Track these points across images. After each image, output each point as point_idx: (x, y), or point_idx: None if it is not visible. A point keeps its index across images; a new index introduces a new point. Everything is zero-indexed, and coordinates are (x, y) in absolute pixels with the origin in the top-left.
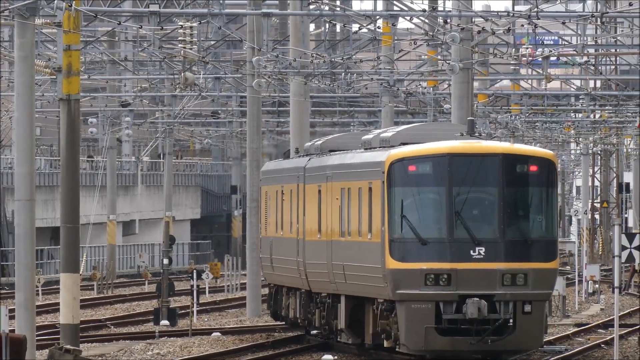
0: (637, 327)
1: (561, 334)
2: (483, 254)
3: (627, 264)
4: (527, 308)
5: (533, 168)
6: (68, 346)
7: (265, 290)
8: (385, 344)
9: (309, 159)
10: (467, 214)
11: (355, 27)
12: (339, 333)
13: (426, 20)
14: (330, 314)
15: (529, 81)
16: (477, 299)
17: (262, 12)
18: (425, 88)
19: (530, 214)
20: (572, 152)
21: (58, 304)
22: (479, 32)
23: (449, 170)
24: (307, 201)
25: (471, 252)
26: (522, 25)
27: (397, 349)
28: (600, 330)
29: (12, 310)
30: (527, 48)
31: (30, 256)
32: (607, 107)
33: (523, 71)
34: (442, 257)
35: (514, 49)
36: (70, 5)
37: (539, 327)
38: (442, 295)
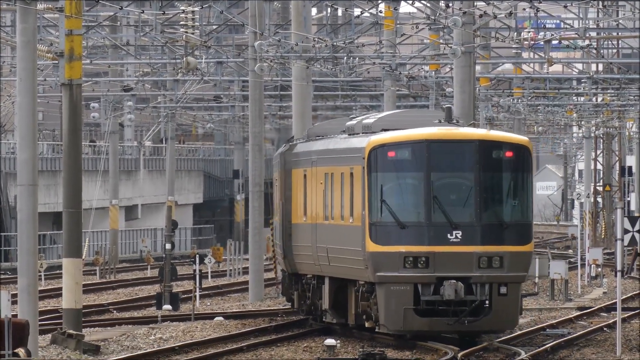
0: None
1: (564, 318)
2: (460, 237)
3: (630, 248)
4: (503, 290)
5: (508, 154)
6: (71, 331)
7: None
8: (367, 324)
9: (292, 145)
10: (444, 198)
11: (357, 11)
12: (324, 313)
13: (428, 4)
14: (316, 294)
15: (531, 65)
16: (454, 281)
17: None
18: (427, 72)
19: (506, 199)
20: (575, 135)
21: (61, 289)
22: (480, 15)
23: (427, 156)
24: (295, 186)
25: (448, 235)
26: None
27: (377, 329)
28: (603, 314)
29: (14, 295)
30: (529, 32)
31: (32, 241)
32: (609, 91)
33: (525, 55)
34: (420, 241)
35: (515, 33)
36: None
37: (514, 308)
38: (420, 277)
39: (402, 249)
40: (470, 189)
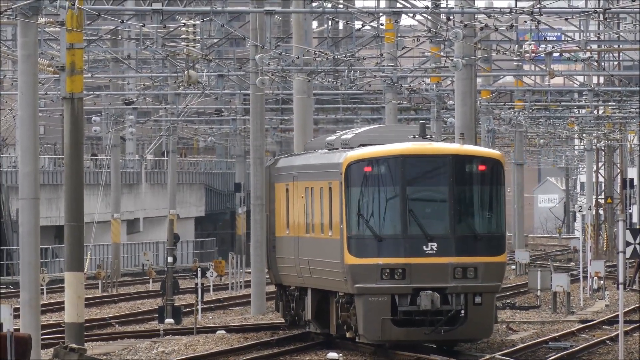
0: None
1: (566, 331)
2: (435, 249)
3: (632, 260)
4: (478, 299)
5: (481, 167)
6: (73, 345)
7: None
8: (347, 334)
9: (276, 159)
10: (419, 211)
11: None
12: (307, 324)
13: (429, 17)
14: (299, 305)
15: (532, 77)
16: (430, 291)
17: (265, 9)
18: (428, 85)
19: (479, 211)
20: (576, 147)
21: (63, 302)
22: (481, 28)
23: (402, 170)
24: (278, 199)
25: (424, 247)
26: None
27: (357, 340)
28: (605, 327)
29: (16, 309)
30: (530, 44)
31: (34, 255)
32: (610, 103)
33: (526, 67)
34: (397, 253)
35: (517, 45)
36: (73, 4)
37: (489, 318)
38: (397, 288)
39: (380, 261)
40: (445, 202)
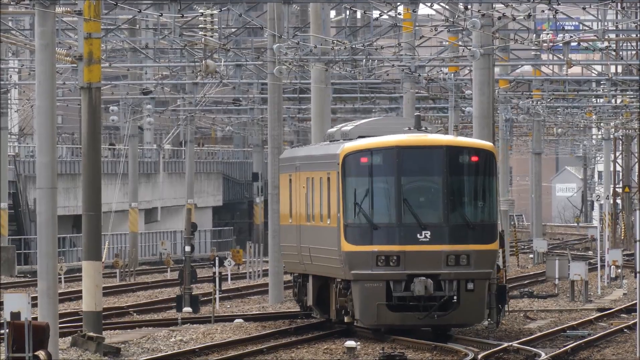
0: None
1: (584, 319)
2: (429, 237)
3: None
4: (470, 286)
5: (474, 158)
6: (91, 333)
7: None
8: (345, 319)
9: (285, 151)
10: (414, 201)
11: (375, 13)
12: (310, 309)
13: (447, 7)
14: (302, 292)
15: (550, 66)
16: (424, 278)
17: None
18: (446, 74)
19: (472, 201)
20: (594, 137)
21: (80, 291)
22: (499, 18)
23: (397, 161)
24: (282, 189)
25: (418, 235)
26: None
27: (354, 324)
28: (623, 315)
29: (34, 298)
30: (547, 34)
31: (52, 244)
32: (628, 92)
33: (544, 57)
34: (392, 241)
35: (534, 35)
36: None
37: (481, 304)
38: (392, 274)
39: (375, 248)
40: (438, 192)
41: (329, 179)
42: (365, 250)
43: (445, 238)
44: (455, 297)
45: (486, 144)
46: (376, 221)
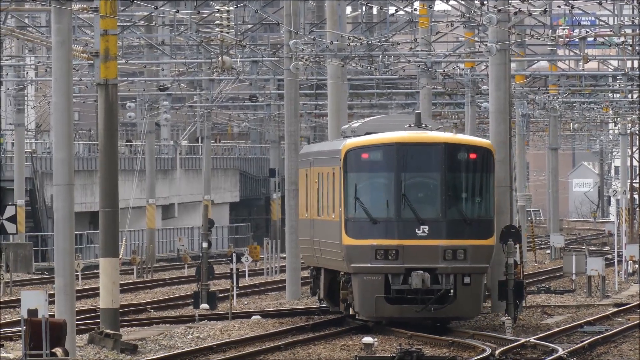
0: None
1: (601, 314)
2: (427, 232)
3: None
4: (467, 280)
5: (472, 156)
6: (108, 330)
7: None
8: (351, 311)
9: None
10: (412, 196)
11: (392, 9)
12: (321, 301)
13: (463, 2)
14: (316, 284)
15: (567, 62)
16: (422, 271)
17: None
18: (462, 70)
19: (469, 197)
20: (611, 132)
21: (98, 288)
22: (515, 13)
23: (396, 157)
24: (300, 184)
25: (416, 230)
26: (559, 6)
27: (356, 317)
28: None
29: (51, 295)
30: (564, 29)
31: (69, 241)
32: None
33: (560, 52)
34: (391, 235)
35: (551, 30)
36: None
37: (477, 297)
38: (390, 268)
39: (374, 242)
40: (437, 188)
41: (334, 174)
42: (364, 244)
43: (442, 233)
44: (452, 291)
45: (484, 141)
46: (375, 216)
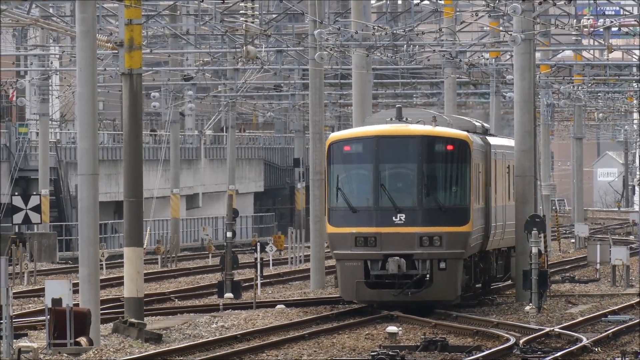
0: None
1: (625, 304)
2: (404, 219)
3: None
4: (442, 265)
5: (449, 147)
6: (132, 320)
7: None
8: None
9: None
10: (390, 186)
11: None
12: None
13: None
14: None
15: (591, 51)
16: (397, 257)
17: None
18: (487, 59)
19: (445, 186)
20: (635, 121)
21: (122, 277)
22: (540, 3)
23: (376, 149)
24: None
25: (394, 218)
26: None
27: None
28: None
29: (76, 285)
30: (588, 19)
31: (93, 230)
32: None
33: (585, 42)
34: (369, 223)
35: (575, 20)
36: None
37: (453, 281)
38: (369, 254)
39: (354, 230)
40: (414, 178)
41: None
42: (345, 231)
43: (418, 221)
44: (428, 276)
45: (461, 133)
46: (355, 205)
